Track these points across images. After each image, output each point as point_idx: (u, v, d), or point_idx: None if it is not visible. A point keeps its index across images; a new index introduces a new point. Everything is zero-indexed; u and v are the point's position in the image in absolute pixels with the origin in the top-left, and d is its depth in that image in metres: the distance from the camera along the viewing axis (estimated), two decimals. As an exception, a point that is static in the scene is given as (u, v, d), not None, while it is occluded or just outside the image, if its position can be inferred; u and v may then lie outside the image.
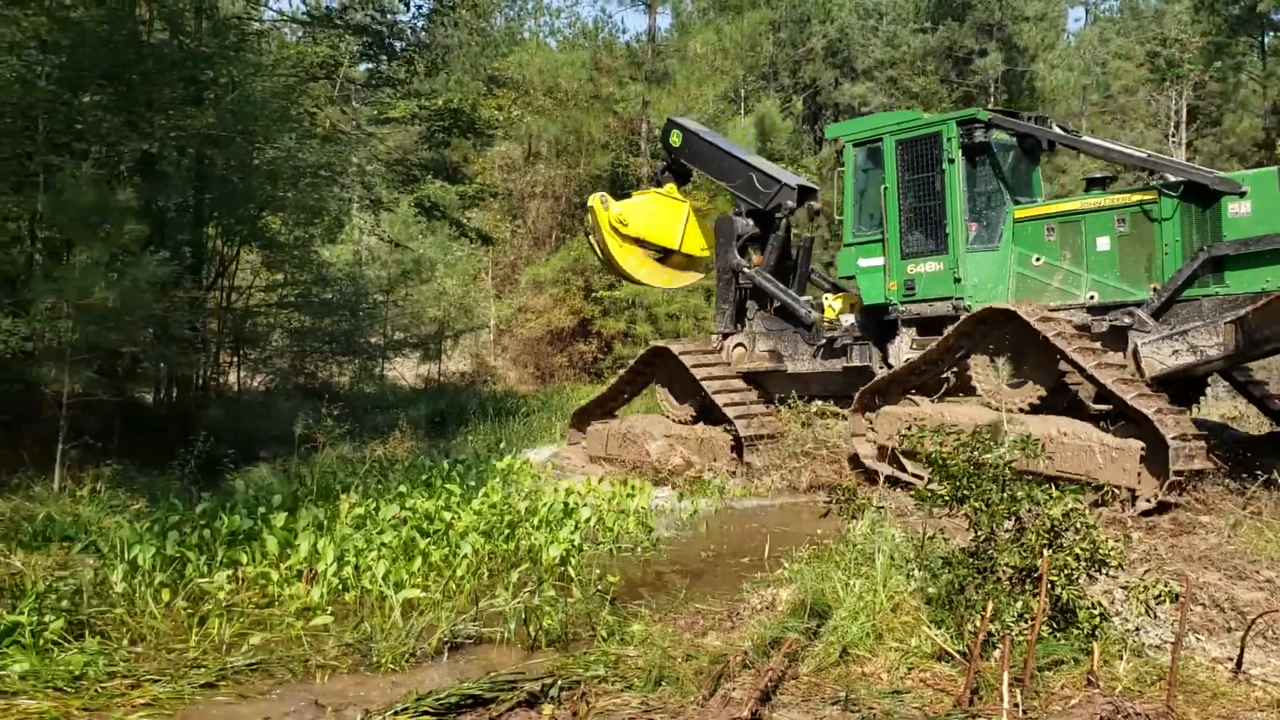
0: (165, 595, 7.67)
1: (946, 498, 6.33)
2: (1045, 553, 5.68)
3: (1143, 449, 10.13)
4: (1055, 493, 6.18)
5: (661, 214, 16.15)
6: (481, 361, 31.32)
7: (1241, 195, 10.70)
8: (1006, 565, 6.01)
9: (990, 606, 5.48)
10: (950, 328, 12.05)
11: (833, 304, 14.58)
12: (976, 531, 6.23)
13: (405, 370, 28.19)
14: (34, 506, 10.19)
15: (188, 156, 15.20)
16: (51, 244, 13.74)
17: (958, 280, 12.60)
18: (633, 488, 12.14)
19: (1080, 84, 45.00)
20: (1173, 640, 5.53)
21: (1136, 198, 11.69)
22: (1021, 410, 11.41)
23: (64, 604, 7.17)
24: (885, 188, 13.21)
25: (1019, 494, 6.13)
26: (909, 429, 7.26)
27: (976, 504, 6.15)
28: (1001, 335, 11.73)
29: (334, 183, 18.62)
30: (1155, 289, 11.28)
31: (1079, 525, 6.00)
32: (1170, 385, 11.14)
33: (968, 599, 5.95)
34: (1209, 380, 13.18)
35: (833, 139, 15.49)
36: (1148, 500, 10.02)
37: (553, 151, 30.82)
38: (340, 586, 8.12)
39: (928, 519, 7.44)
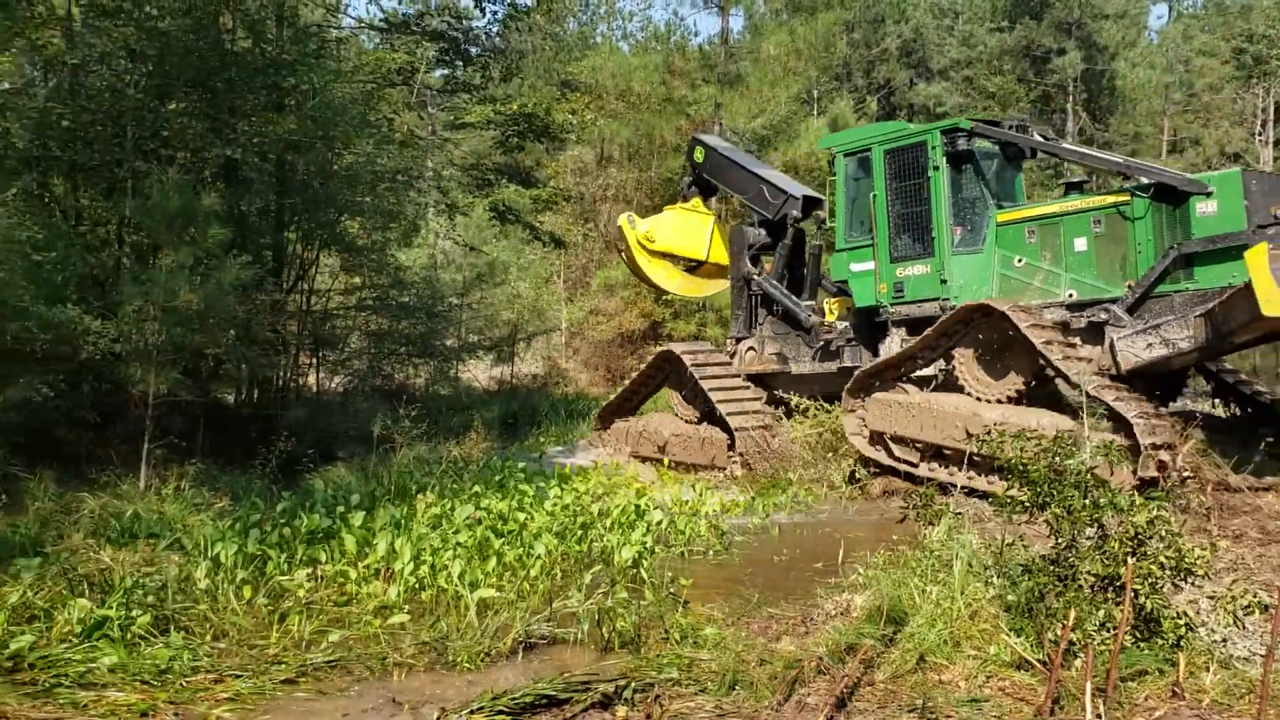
0: (247, 592, 7.82)
1: (1027, 504, 6.23)
2: (1129, 561, 5.56)
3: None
4: (1139, 500, 6.06)
5: (686, 227, 17.11)
6: (553, 364, 31.48)
7: (1208, 195, 11.31)
8: (1088, 573, 5.90)
9: (1073, 614, 5.37)
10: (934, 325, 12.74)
11: (831, 308, 15.25)
12: (1057, 538, 6.12)
13: (479, 372, 28.45)
14: (122, 504, 10.45)
15: (269, 162, 15.49)
16: (139, 248, 14.09)
17: (944, 282, 13.18)
18: (704, 491, 12.14)
19: (1163, 82, 43.96)
20: (1263, 652, 5.38)
21: (1111, 200, 12.28)
22: (999, 401, 12.08)
23: (150, 599, 7.34)
24: (875, 195, 13.80)
25: (1101, 500, 6.01)
26: (987, 434, 7.14)
27: (1058, 510, 6.04)
28: (980, 331, 12.38)
29: (410, 187, 18.84)
30: (1130, 285, 11.84)
31: (1164, 533, 5.87)
32: (1153, 379, 11.79)
33: (1048, 607, 5.84)
34: (1189, 373, 13.66)
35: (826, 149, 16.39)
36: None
37: (624, 155, 30.88)
38: (416, 585, 8.22)
39: (1006, 525, 7.33)
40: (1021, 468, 6.33)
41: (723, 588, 8.58)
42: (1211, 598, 6.26)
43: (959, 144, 13.21)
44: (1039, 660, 5.59)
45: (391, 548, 8.57)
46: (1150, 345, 11.34)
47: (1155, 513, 5.88)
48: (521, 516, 9.94)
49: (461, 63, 25.29)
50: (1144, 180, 12.06)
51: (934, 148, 13.26)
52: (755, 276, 15.88)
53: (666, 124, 28.62)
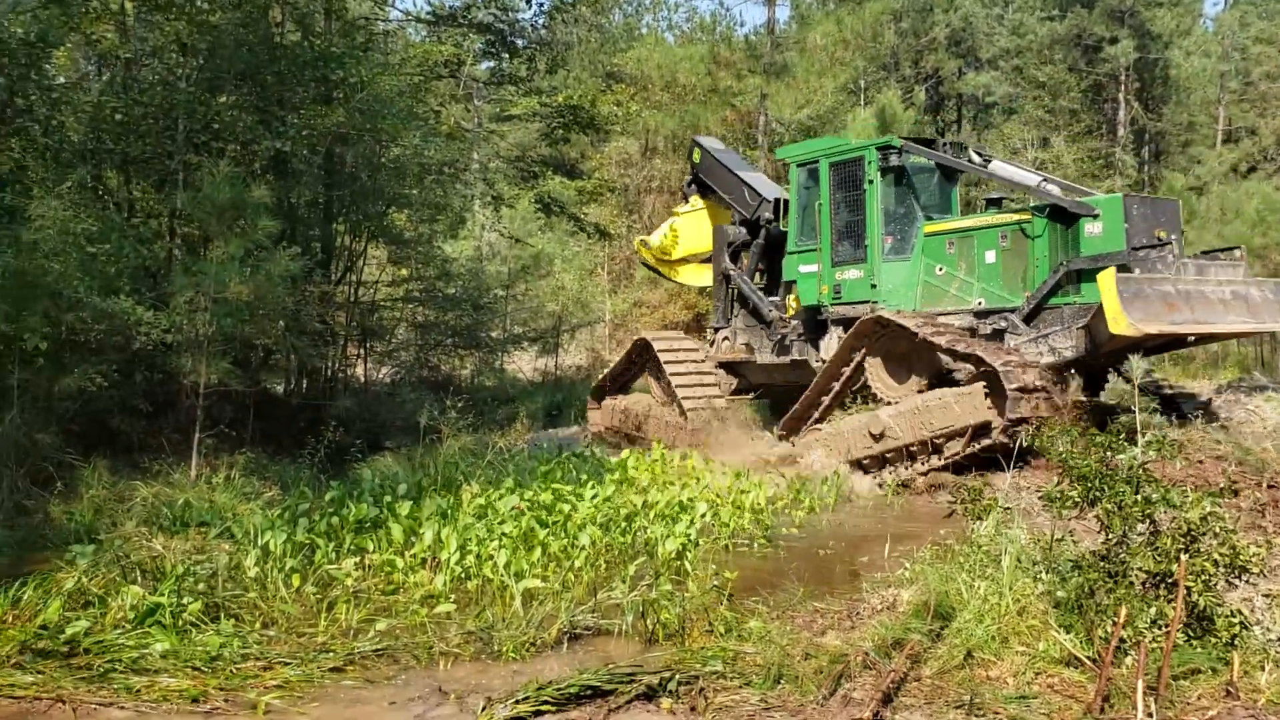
0: (295, 580, 7.91)
1: (1077, 499, 6.15)
2: (1182, 557, 5.47)
3: (985, 388, 12.02)
4: (1193, 495, 5.96)
5: (695, 228, 18.37)
6: (597, 355, 31.50)
7: (1095, 217, 12.46)
8: (1139, 569, 5.81)
9: (1124, 611, 5.30)
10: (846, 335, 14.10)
11: (792, 305, 16.08)
12: (1108, 534, 6.04)
13: (524, 363, 28.57)
14: (173, 492, 10.61)
15: (318, 154, 15.62)
16: (190, 240, 14.27)
17: (874, 286, 14.38)
18: (748, 483, 12.11)
19: (1218, 70, 43.12)
20: (1320, 653, 5.28)
21: (1015, 217, 13.44)
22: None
23: (201, 587, 7.45)
24: (820, 204, 15.06)
25: (1154, 496, 5.92)
26: (1037, 428, 7.04)
27: (1109, 506, 5.95)
28: (883, 340, 13.61)
29: (457, 179, 18.94)
30: (1028, 297, 12.99)
31: (1218, 530, 5.77)
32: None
33: (1098, 603, 5.77)
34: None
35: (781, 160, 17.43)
36: (1000, 430, 11.83)
37: (669, 146, 30.81)
38: (462, 575, 8.27)
39: (1056, 520, 7.24)
40: (1071, 462, 6.25)
41: (767, 581, 8.56)
42: (1267, 596, 6.16)
43: (891, 160, 14.34)
44: (1089, 657, 5.52)
45: (438, 537, 8.63)
46: (1040, 352, 12.67)
47: (1209, 509, 5.78)
48: (566, 507, 9.97)
49: (508, 55, 25.32)
50: (1046, 201, 13.25)
51: (870, 162, 14.40)
52: (732, 272, 17.08)
53: (712, 115, 28.54)
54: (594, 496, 10.51)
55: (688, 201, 18.57)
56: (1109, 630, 5.37)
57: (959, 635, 5.95)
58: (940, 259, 13.96)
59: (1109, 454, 6.15)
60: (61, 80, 14.64)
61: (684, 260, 18.59)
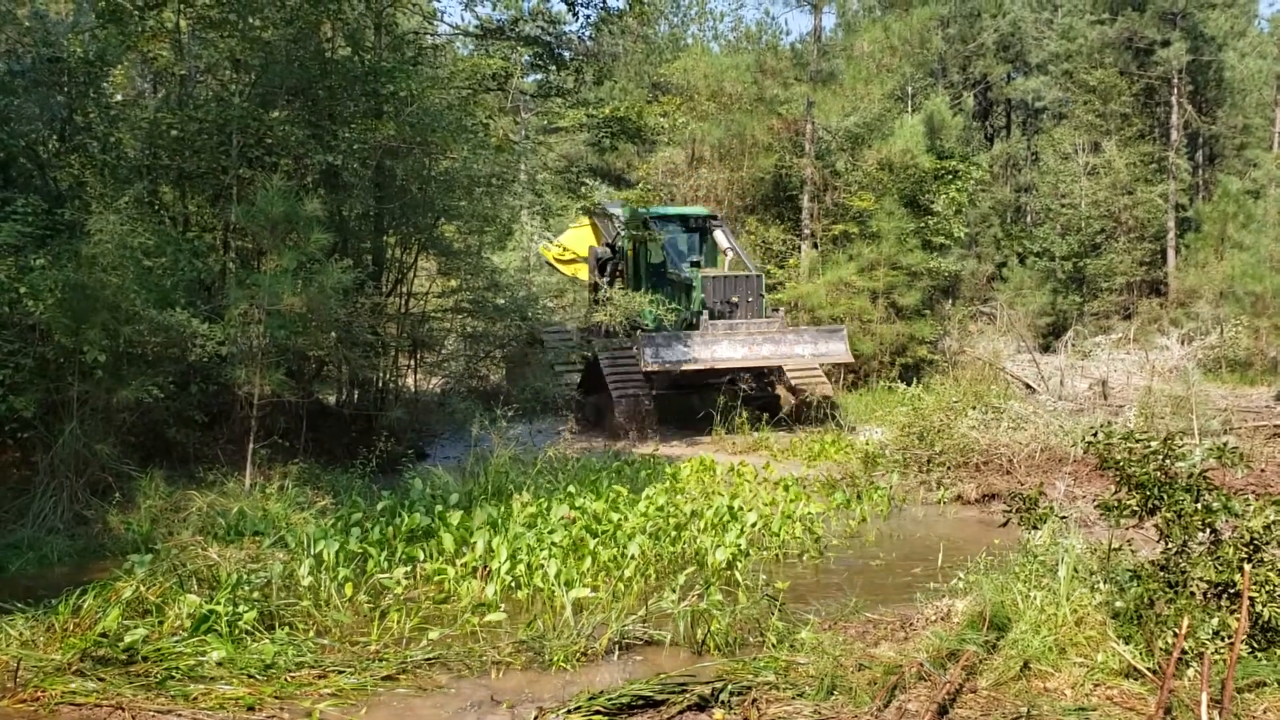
0: (348, 589, 7.99)
1: (1135, 508, 6.04)
2: (1245, 567, 5.36)
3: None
4: (1255, 503, 5.84)
5: (579, 239, 24.43)
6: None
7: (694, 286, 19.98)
8: (1200, 579, 5.70)
9: (1185, 622, 5.20)
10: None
11: None
12: (1167, 543, 5.93)
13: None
14: (228, 502, 10.75)
15: (369, 167, 15.75)
16: (244, 253, 14.45)
17: (645, 311, 19.74)
18: (798, 494, 12.04)
19: (1274, 72, 42.34)
20: (1390, 665, 5.14)
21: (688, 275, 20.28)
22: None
23: (255, 595, 7.54)
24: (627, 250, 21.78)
25: (1214, 505, 5.80)
26: (1094, 435, 6.89)
27: (1168, 515, 5.85)
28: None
29: (505, 191, 19.05)
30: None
31: (1282, 539, 5.65)
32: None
33: (1158, 614, 5.67)
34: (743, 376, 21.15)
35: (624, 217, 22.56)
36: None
37: (715, 155, 30.72)
38: (513, 584, 8.30)
39: (1113, 530, 7.12)
40: (1129, 470, 6.14)
41: (818, 591, 8.50)
42: (1334, 607, 6.00)
43: (647, 224, 21.01)
44: (1149, 669, 5.42)
45: (489, 546, 8.66)
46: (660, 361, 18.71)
47: (1273, 517, 5.66)
48: (615, 516, 9.97)
49: (555, 67, 25.45)
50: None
51: (636, 223, 21.02)
52: (599, 282, 22.09)
53: (758, 123, 28.40)
54: (646, 506, 10.51)
55: (579, 225, 24.79)
56: (1170, 641, 5.28)
57: (1015, 646, 5.87)
58: (672, 297, 20.06)
59: (1168, 461, 6.05)
60: (119, 98, 14.91)
61: (572, 261, 24.71)
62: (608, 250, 22.68)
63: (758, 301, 20.10)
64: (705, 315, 19.28)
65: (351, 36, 16.19)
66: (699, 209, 24.12)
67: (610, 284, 21.74)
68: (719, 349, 18.90)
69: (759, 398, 20.82)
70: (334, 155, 14.01)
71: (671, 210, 23.53)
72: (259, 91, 14.30)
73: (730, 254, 21.63)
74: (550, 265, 26.10)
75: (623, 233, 21.62)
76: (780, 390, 21.46)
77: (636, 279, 21.10)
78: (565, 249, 24.63)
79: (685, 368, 18.83)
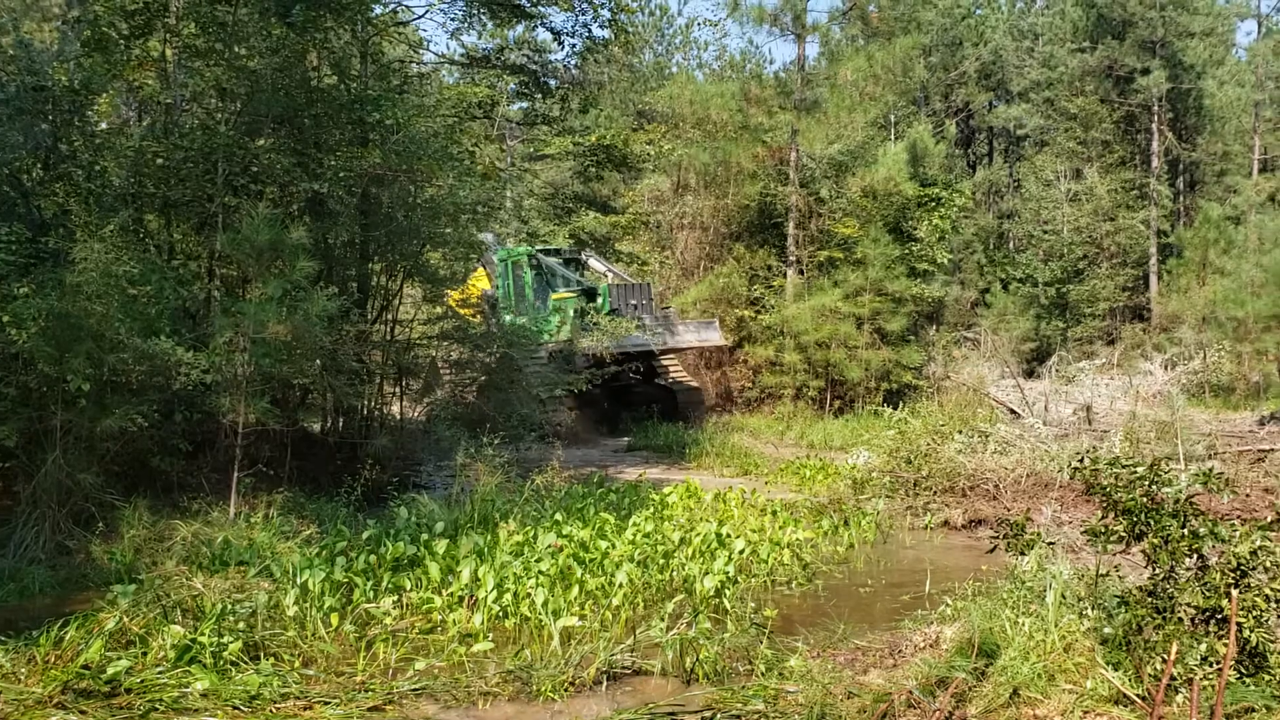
0: (334, 619, 7.93)
1: (1122, 533, 6.05)
2: (1233, 593, 5.37)
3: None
4: (1241, 529, 5.85)
5: (478, 281, 26.12)
6: (633, 388, 31.49)
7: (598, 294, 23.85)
8: (1188, 605, 5.71)
9: (1174, 648, 5.20)
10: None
11: None
12: (1154, 569, 5.94)
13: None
14: (212, 531, 10.67)
15: (354, 195, 15.75)
16: (229, 281, 14.41)
17: (538, 330, 22.66)
18: (786, 520, 12.02)
19: (1252, 100, 42.83)
20: (1378, 690, 5.15)
21: (573, 295, 24.00)
22: None
23: (240, 626, 7.47)
24: (508, 283, 25.51)
25: (1201, 530, 5.82)
26: (1081, 461, 6.92)
27: (1155, 540, 5.86)
28: None
29: (492, 218, 19.09)
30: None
31: (1269, 564, 5.66)
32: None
33: (1146, 640, 5.67)
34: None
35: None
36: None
37: (701, 182, 30.86)
38: (500, 613, 8.25)
39: (1100, 555, 7.13)
40: (1114, 496, 6.16)
41: (807, 618, 8.48)
42: (1321, 632, 6.01)
43: (533, 259, 25.28)
44: (1138, 695, 5.41)
45: (475, 575, 8.62)
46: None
47: (1260, 542, 5.67)
48: (603, 544, 9.93)
49: (541, 95, 25.62)
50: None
51: (524, 258, 25.33)
52: (491, 326, 24.43)
53: (743, 151, 28.56)
54: (633, 533, 10.47)
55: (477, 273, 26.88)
56: (1159, 667, 5.28)
57: (1004, 673, 5.86)
58: (555, 314, 23.64)
59: (1154, 487, 6.06)
60: (104, 126, 14.90)
61: (466, 305, 26.84)
62: (495, 294, 25.52)
63: (650, 304, 24.77)
64: (611, 316, 23.45)
65: (337, 65, 16.24)
66: (569, 246, 30.33)
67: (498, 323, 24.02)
68: (634, 337, 23.50)
69: (653, 394, 25.78)
70: (319, 183, 14.01)
71: (550, 246, 29.37)
72: (245, 120, 14.31)
73: (610, 275, 26.46)
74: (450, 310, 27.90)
75: (498, 262, 25.53)
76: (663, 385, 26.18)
77: (521, 300, 25.18)
78: (465, 292, 26.41)
79: (628, 349, 23.33)
